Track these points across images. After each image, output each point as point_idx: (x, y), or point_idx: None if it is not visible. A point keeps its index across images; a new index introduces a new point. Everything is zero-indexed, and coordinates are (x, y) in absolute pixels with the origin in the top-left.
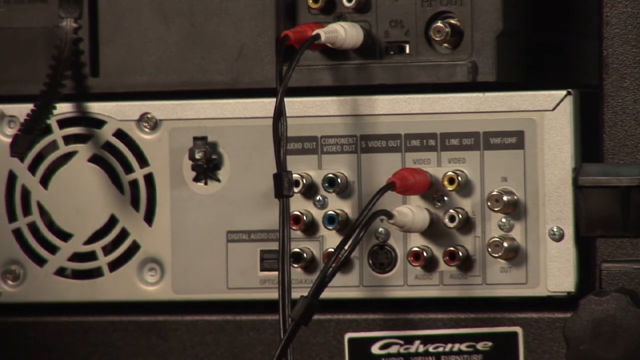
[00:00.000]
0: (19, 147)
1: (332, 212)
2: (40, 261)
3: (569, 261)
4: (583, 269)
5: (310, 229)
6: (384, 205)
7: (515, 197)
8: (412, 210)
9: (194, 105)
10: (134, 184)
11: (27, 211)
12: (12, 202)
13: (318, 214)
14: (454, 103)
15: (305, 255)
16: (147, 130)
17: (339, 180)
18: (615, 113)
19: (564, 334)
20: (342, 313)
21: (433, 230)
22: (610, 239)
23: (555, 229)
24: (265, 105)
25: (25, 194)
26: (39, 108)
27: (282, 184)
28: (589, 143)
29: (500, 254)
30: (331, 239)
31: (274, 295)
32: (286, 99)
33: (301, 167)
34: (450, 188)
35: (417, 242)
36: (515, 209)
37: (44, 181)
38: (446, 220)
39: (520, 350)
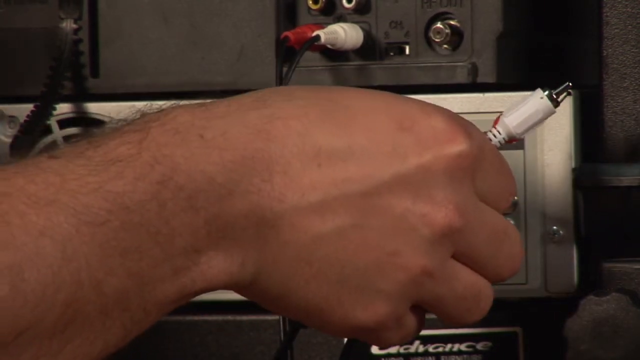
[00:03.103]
0: (19, 148)
1: None
2: None
3: (569, 261)
4: (583, 269)
5: None
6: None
7: (515, 197)
8: None
9: None
10: None
11: None
12: None
13: None
14: (454, 104)
15: None
16: None
17: None
18: (615, 113)
19: (564, 334)
20: None
21: None
22: (611, 239)
23: (555, 229)
24: None
25: None
26: (39, 109)
27: None
28: (589, 143)
29: None
30: None
31: None
32: None
33: None
34: None
35: None
36: (515, 209)
37: None
38: None
39: (520, 350)
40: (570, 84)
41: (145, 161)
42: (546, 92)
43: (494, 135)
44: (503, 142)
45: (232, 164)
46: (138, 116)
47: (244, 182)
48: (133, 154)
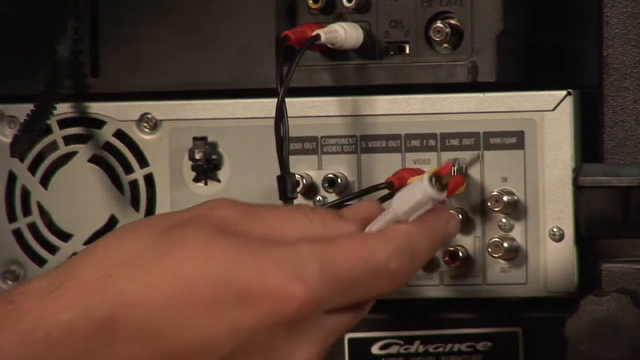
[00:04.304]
0: (18, 148)
1: None
2: (40, 261)
3: (569, 261)
4: (583, 269)
5: None
6: (383, 206)
7: (515, 197)
8: None
9: (193, 105)
10: (134, 184)
11: (27, 211)
12: (12, 203)
13: None
14: (454, 103)
15: None
16: (147, 130)
17: (339, 180)
18: (615, 113)
19: (564, 334)
20: None
21: None
22: (610, 239)
23: (555, 229)
24: (265, 106)
25: (25, 194)
26: (38, 108)
27: (286, 187)
28: (589, 143)
29: (500, 254)
30: None
31: None
32: (286, 99)
33: (301, 168)
34: None
35: None
36: (515, 209)
37: (44, 181)
38: None
39: (520, 350)
40: (451, 166)
41: None
42: (428, 177)
43: (383, 217)
44: (391, 223)
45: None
46: None
47: None
48: None
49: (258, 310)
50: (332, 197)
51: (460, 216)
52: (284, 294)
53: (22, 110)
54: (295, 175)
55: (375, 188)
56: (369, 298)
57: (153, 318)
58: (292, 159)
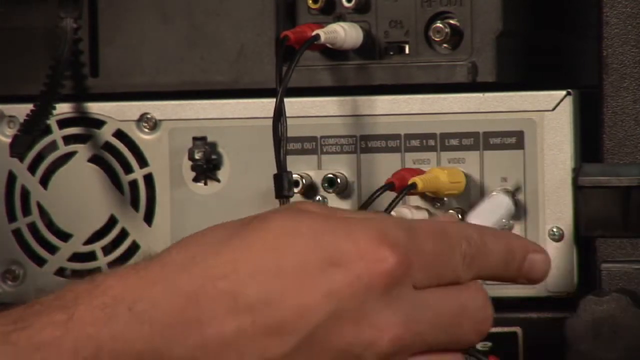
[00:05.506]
0: (18, 147)
1: None
2: (40, 261)
3: (569, 261)
4: (583, 269)
5: None
6: (384, 205)
7: (515, 197)
8: (412, 211)
9: (193, 105)
10: (133, 184)
11: (26, 211)
12: (11, 203)
13: None
14: (453, 103)
15: None
16: (146, 130)
17: (338, 180)
18: (615, 113)
19: (564, 334)
20: None
21: None
22: (610, 239)
23: (555, 229)
24: (265, 106)
25: (25, 194)
26: (38, 108)
27: (283, 185)
28: (589, 143)
29: None
30: None
31: None
32: (286, 99)
33: (301, 168)
34: None
35: None
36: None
37: (44, 181)
38: None
39: (520, 350)
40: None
41: (69, 346)
42: (507, 192)
43: None
44: None
45: (162, 336)
46: (70, 289)
47: (177, 350)
48: (58, 337)
49: (351, 272)
50: (331, 197)
51: (460, 216)
52: (376, 256)
53: (22, 110)
54: (292, 174)
55: (377, 192)
56: (452, 277)
57: (242, 291)
58: (292, 159)
